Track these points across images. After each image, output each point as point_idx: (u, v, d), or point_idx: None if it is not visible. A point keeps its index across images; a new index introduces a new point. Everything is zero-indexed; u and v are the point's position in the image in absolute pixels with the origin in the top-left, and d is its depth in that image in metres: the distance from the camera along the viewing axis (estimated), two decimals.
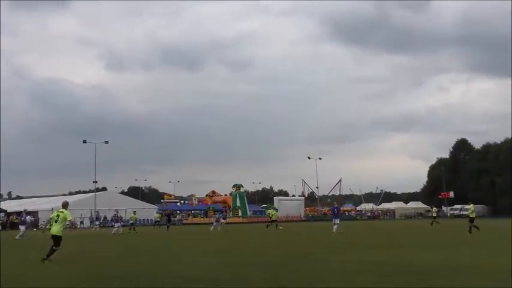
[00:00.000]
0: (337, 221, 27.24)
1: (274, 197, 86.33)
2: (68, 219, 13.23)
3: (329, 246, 18.44)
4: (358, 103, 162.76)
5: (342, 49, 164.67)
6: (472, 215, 25.21)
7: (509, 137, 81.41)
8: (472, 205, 25.98)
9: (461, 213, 73.73)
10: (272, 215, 37.86)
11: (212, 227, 36.56)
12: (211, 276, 10.24)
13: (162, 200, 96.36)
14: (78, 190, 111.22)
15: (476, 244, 18.58)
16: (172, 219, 52.23)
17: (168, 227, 39.43)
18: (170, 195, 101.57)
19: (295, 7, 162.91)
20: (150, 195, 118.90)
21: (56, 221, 13.09)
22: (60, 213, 13.22)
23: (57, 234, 12.93)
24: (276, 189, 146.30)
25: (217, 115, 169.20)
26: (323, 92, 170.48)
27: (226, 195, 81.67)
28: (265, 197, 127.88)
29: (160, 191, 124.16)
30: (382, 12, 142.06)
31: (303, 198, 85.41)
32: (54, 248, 12.85)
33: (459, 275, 9.79)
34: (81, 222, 53.21)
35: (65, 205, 13.72)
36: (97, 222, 53.12)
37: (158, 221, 47.73)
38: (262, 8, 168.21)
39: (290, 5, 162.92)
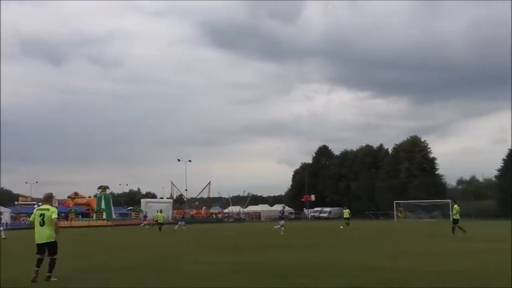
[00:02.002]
0: (282, 222, 29.05)
1: (142, 199, 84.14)
2: (54, 216, 9.89)
3: (199, 249, 18.49)
4: (229, 107, 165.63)
5: (216, 53, 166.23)
6: (456, 217, 23.97)
7: (363, 145, 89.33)
8: (456, 205, 24.34)
9: (321, 215, 79.16)
10: (159, 217, 38.31)
11: (177, 226, 37.42)
12: (75, 282, 9.64)
13: (16, 202, 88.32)
14: None
15: (334, 244, 20.01)
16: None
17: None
18: (26, 197, 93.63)
19: (170, 9, 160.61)
20: (2, 197, 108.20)
21: (42, 223, 9.84)
22: (45, 212, 9.91)
23: (51, 240, 9.85)
24: (143, 191, 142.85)
25: (83, 113, 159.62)
26: (195, 95, 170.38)
27: (90, 197, 77.64)
28: (133, 199, 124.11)
29: (15, 192, 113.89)
30: (255, 20, 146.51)
31: (171, 200, 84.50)
32: (53, 258, 9.84)
33: (318, 273, 10.45)
34: None
35: (48, 198, 10.64)
36: None
37: None
38: (136, 7, 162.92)
39: (165, 6, 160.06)
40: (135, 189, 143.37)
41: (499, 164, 67.28)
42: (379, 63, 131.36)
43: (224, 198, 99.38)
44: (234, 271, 11.02)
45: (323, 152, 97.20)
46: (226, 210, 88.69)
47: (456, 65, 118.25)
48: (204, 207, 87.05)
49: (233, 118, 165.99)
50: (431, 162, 75.91)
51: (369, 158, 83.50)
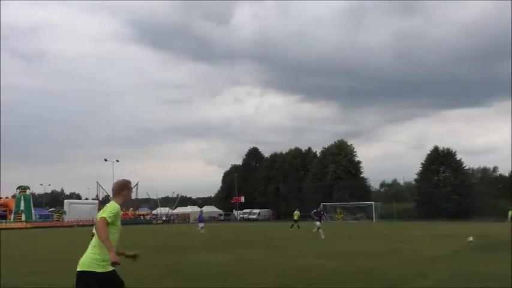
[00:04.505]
0: (318, 223, 27.13)
1: (65, 200, 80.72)
2: None
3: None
4: (158, 107, 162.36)
5: (146, 52, 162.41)
6: None
7: (293, 148, 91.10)
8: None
9: (250, 217, 79.82)
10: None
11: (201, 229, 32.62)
12: None
13: None
14: None
15: (263, 246, 20.24)
16: None
17: None
18: None
19: (101, 5, 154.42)
20: None
21: None
22: None
23: None
24: (67, 192, 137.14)
25: (2, 109, 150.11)
26: (123, 94, 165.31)
27: (7, 197, 73.42)
28: (55, 200, 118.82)
29: None
30: (186, 21, 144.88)
31: (97, 201, 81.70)
32: None
33: (245, 273, 10.52)
34: None
35: None
36: None
37: None
38: (66, 2, 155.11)
39: (96, 2, 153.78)
40: (58, 189, 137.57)
41: (418, 168, 71.24)
42: (308, 68, 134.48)
43: (152, 199, 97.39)
44: (161, 273, 10.82)
45: (253, 154, 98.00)
46: (154, 212, 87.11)
47: (380, 73, 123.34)
48: (131, 209, 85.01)
49: (162, 118, 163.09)
50: (357, 165, 78.65)
51: (297, 161, 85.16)
